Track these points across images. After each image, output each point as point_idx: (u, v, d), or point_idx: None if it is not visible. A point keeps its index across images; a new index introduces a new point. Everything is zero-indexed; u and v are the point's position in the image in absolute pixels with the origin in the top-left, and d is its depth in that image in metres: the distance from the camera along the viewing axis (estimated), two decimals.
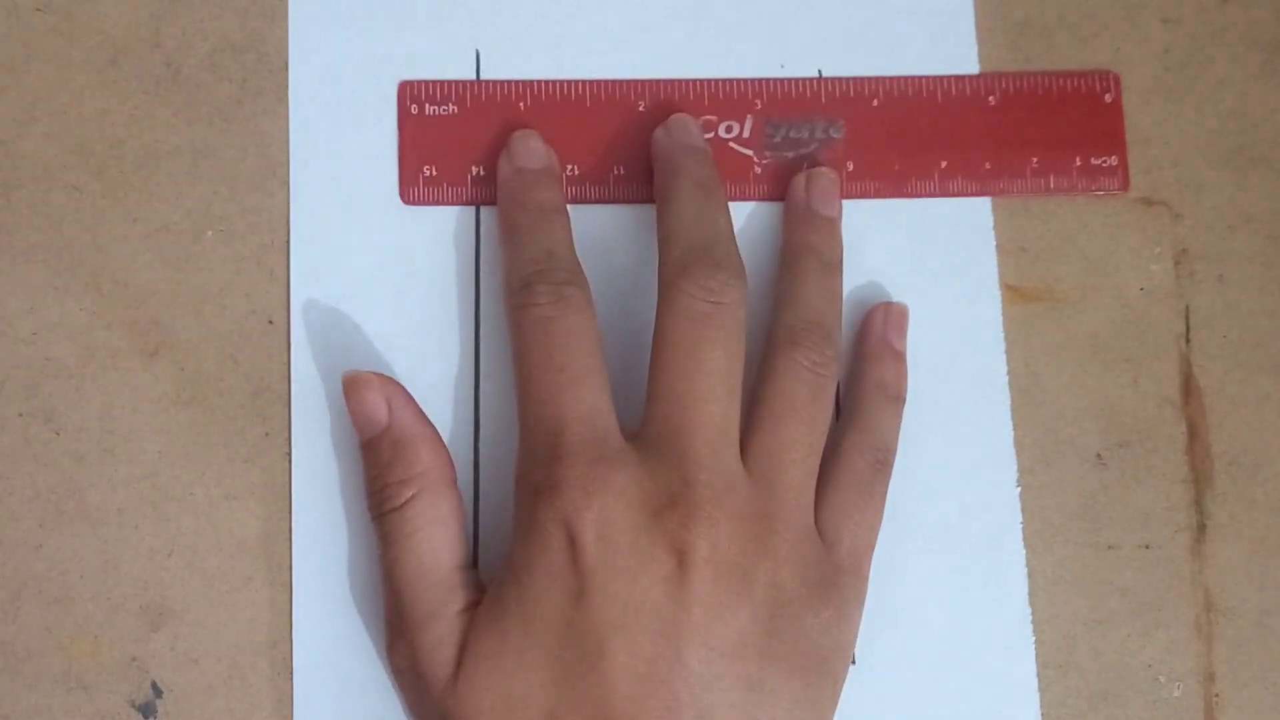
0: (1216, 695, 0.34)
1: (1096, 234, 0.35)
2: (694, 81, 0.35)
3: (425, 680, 0.29)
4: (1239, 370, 0.35)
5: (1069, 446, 0.34)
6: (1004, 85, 0.36)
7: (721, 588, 0.28)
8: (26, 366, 0.33)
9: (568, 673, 0.28)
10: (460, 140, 0.35)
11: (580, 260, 0.32)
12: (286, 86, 0.35)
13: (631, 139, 0.35)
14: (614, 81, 0.35)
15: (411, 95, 0.35)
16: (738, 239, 0.32)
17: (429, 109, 0.35)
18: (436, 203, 0.34)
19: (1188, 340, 0.35)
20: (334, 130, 0.35)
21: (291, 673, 0.32)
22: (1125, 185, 0.36)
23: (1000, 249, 0.35)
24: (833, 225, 0.34)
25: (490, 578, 0.31)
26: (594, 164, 0.35)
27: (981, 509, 0.34)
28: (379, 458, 0.31)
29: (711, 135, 0.35)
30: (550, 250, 0.32)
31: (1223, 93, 0.36)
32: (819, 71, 0.36)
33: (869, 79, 0.36)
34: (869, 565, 0.31)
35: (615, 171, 0.35)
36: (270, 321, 0.34)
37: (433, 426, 0.31)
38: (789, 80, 0.35)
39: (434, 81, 0.35)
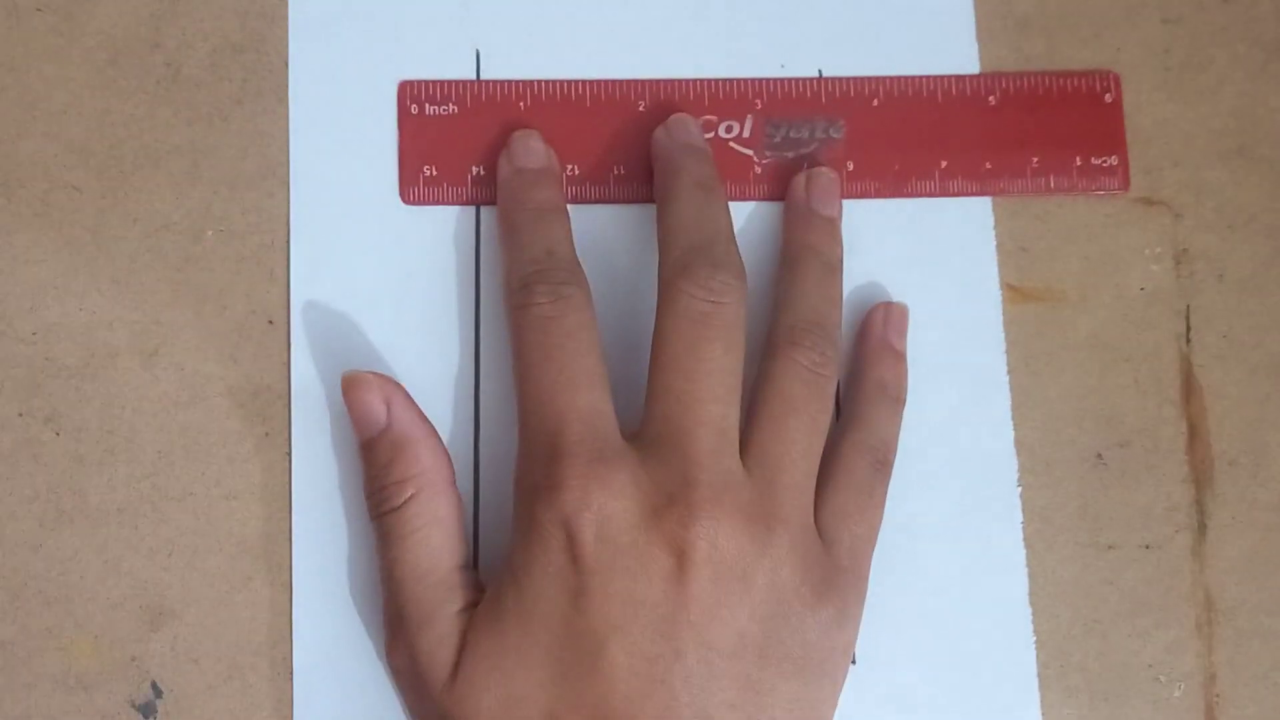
0: (1217, 695, 0.34)
1: (1096, 234, 0.35)
2: (694, 81, 0.35)
3: (424, 680, 0.29)
4: (1239, 370, 0.35)
5: (1069, 446, 0.34)
6: (1004, 85, 0.36)
7: (721, 587, 0.28)
8: (26, 366, 0.33)
9: (567, 672, 0.28)
10: (460, 140, 0.35)
11: (580, 260, 0.32)
12: (286, 86, 0.35)
13: (631, 139, 0.35)
14: (614, 81, 0.35)
15: (411, 95, 0.35)
16: (738, 239, 0.32)
17: (429, 109, 0.35)
18: (436, 203, 0.34)
19: (1188, 340, 0.35)
20: (334, 130, 0.35)
21: (291, 673, 0.32)
22: (1125, 185, 0.36)
23: (1000, 249, 0.35)
24: (833, 225, 0.34)
25: (490, 578, 0.31)
26: (594, 164, 0.35)
27: (981, 509, 0.34)
28: (378, 458, 0.31)
29: (711, 135, 0.35)
30: (550, 250, 0.32)
31: (1223, 93, 0.36)
32: (819, 71, 0.36)
33: (869, 79, 0.36)
34: (869, 565, 0.31)
35: (615, 171, 0.35)
36: (270, 321, 0.34)
37: (432, 427, 0.31)
38: (789, 80, 0.35)
39: (434, 81, 0.35)
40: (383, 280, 0.34)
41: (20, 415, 0.33)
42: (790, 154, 0.35)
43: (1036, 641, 0.33)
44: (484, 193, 0.34)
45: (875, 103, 0.35)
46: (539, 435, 0.30)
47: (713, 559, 0.28)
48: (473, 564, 0.33)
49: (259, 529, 0.33)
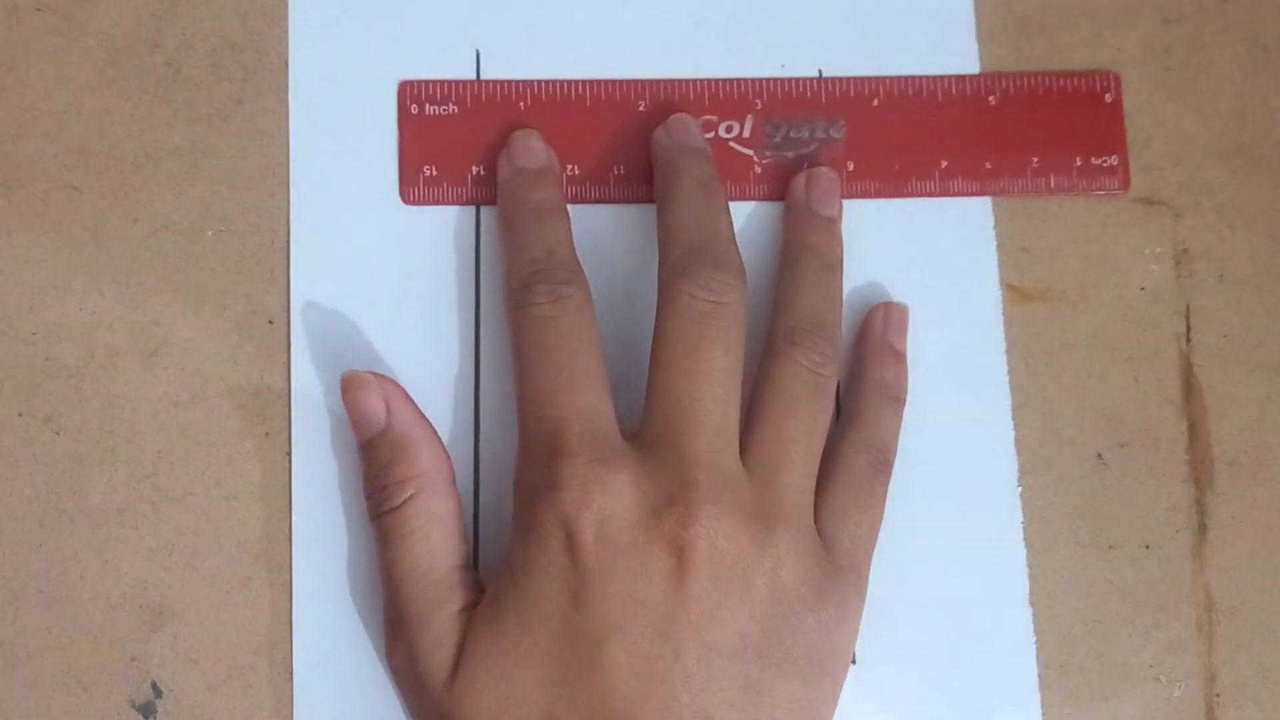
0: (1217, 695, 0.34)
1: (1097, 234, 0.35)
2: (694, 81, 0.35)
3: (424, 680, 0.29)
4: (1239, 370, 0.35)
5: (1069, 446, 0.34)
6: (1004, 85, 0.36)
7: (720, 587, 0.28)
8: (26, 366, 0.33)
9: (566, 672, 0.28)
10: (460, 140, 0.35)
11: (580, 260, 0.32)
12: (286, 86, 0.35)
13: (631, 139, 0.35)
14: (614, 81, 0.35)
15: (411, 95, 0.35)
16: (738, 239, 0.32)
17: (429, 109, 0.35)
18: (436, 203, 0.34)
19: (1188, 340, 0.35)
20: (334, 130, 0.35)
21: (291, 673, 0.32)
22: (1125, 185, 0.36)
23: (1000, 249, 0.35)
24: (833, 225, 0.34)
25: (490, 578, 0.31)
26: (594, 164, 0.35)
27: (981, 509, 0.34)
28: (377, 458, 0.31)
29: (712, 135, 0.35)
30: (550, 250, 0.32)
31: (1223, 92, 0.36)
32: (819, 71, 0.36)
33: (869, 79, 0.35)
34: (869, 565, 0.31)
35: (615, 171, 0.35)
36: (270, 321, 0.34)
37: (431, 427, 0.31)
38: (789, 80, 0.35)
39: (434, 81, 0.35)
40: (383, 280, 0.34)
41: (20, 415, 0.33)
42: (790, 154, 0.35)
43: (1036, 641, 0.33)
44: (484, 193, 0.34)
45: (875, 103, 0.35)
46: (539, 435, 0.30)
47: (712, 559, 0.28)
48: (473, 564, 0.33)
49: (259, 529, 0.33)
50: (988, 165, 0.35)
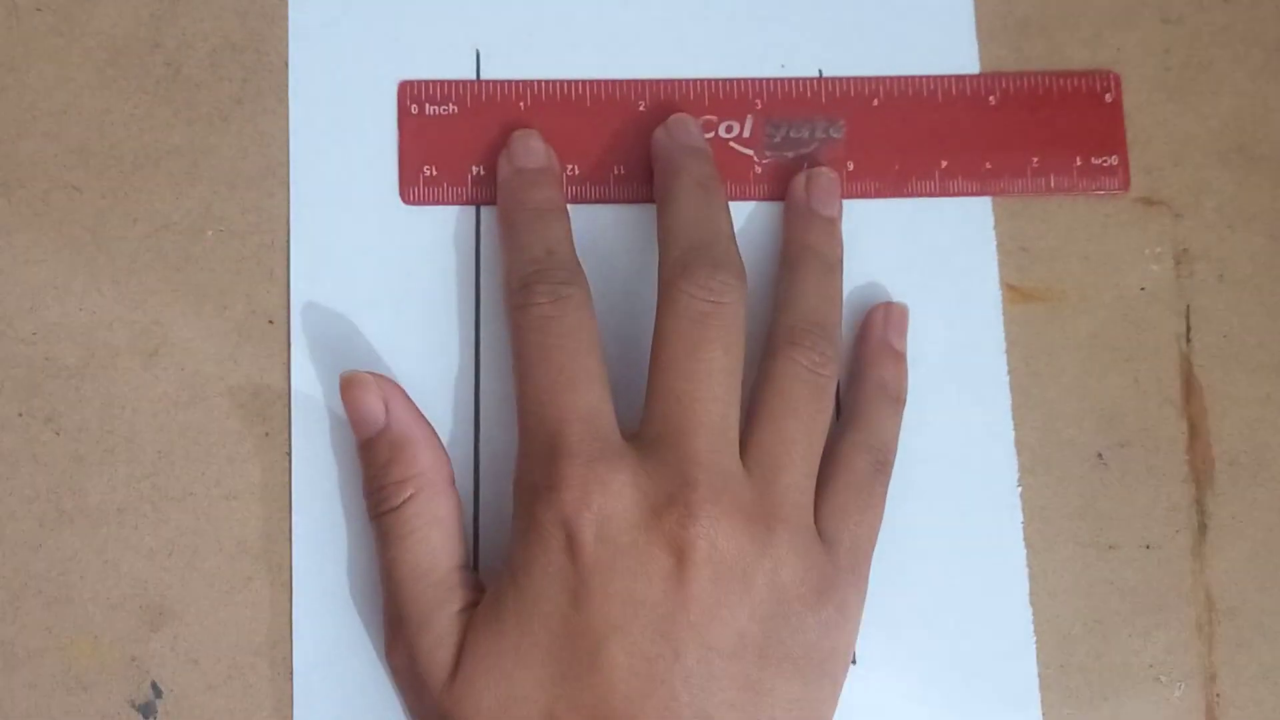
0: (1217, 695, 0.34)
1: (1097, 234, 0.35)
2: (694, 81, 0.35)
3: (424, 680, 0.29)
4: (1239, 370, 0.35)
5: (1069, 446, 0.34)
6: (1004, 85, 0.36)
7: (720, 587, 0.28)
8: (26, 366, 0.33)
9: (566, 672, 0.28)
10: (460, 140, 0.35)
11: (580, 260, 0.32)
12: (286, 86, 0.35)
13: (631, 139, 0.35)
14: (614, 81, 0.35)
15: (411, 95, 0.35)
16: (738, 239, 0.32)
17: (429, 109, 0.35)
18: (436, 203, 0.34)
19: (1188, 340, 0.35)
20: (334, 130, 0.35)
21: (291, 673, 0.32)
22: (1125, 185, 0.36)
23: (1000, 249, 0.35)
24: (833, 225, 0.34)
25: (490, 578, 0.31)
26: (594, 164, 0.35)
27: (981, 509, 0.34)
28: (377, 458, 0.31)
29: (712, 135, 0.35)
30: (550, 249, 0.32)
31: (1223, 92, 0.36)
32: (819, 71, 0.36)
33: (869, 79, 0.35)
34: (869, 565, 0.31)
35: (615, 171, 0.35)
36: (270, 321, 0.34)
37: (430, 427, 0.31)
38: (789, 80, 0.35)
39: (434, 81, 0.35)
40: (383, 280, 0.34)
41: (20, 415, 0.33)
42: (790, 154, 0.35)
43: (1036, 641, 0.33)
44: (484, 193, 0.34)
45: (875, 103, 0.35)
46: (539, 435, 0.30)
47: (712, 559, 0.28)
48: (473, 564, 0.33)
49: (259, 529, 0.33)
50: (988, 165, 0.35)
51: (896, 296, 0.35)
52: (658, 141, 0.34)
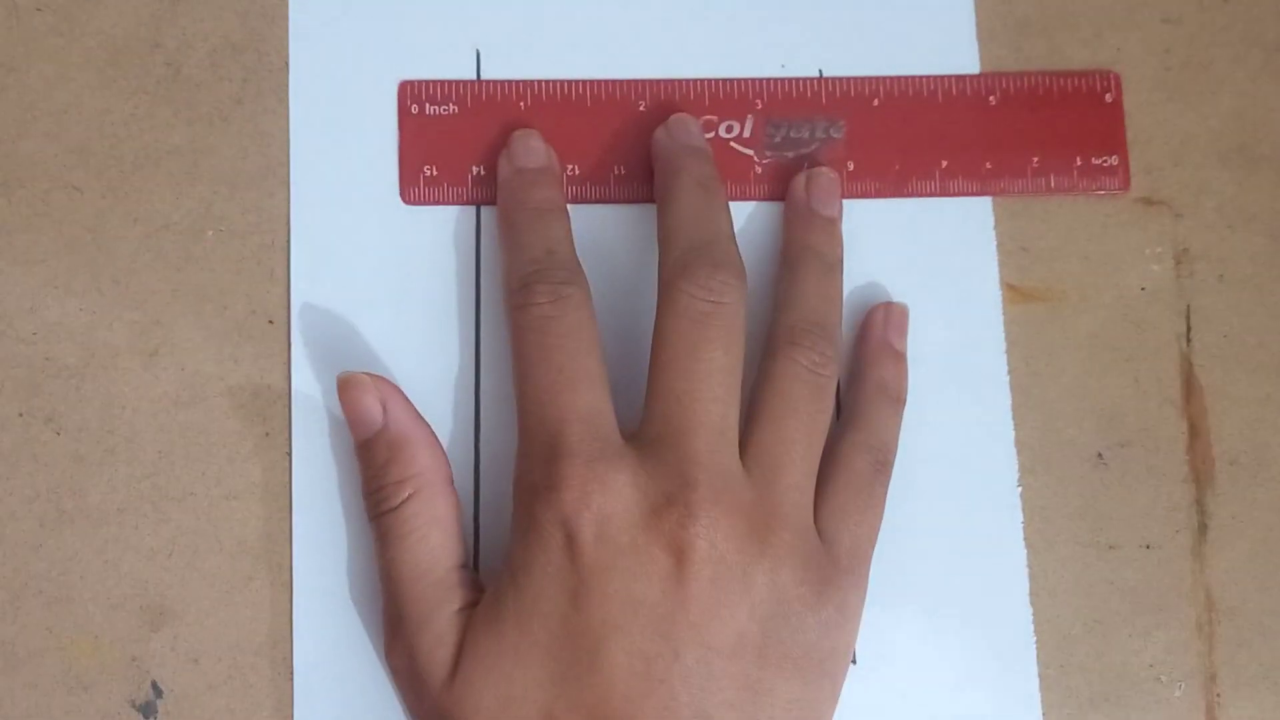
0: (1218, 695, 0.34)
1: (1097, 234, 0.35)
2: (694, 81, 0.35)
3: (423, 680, 0.29)
4: (1240, 370, 0.35)
5: (1069, 446, 0.34)
6: (1004, 85, 0.36)
7: (720, 587, 0.28)
8: (26, 366, 0.33)
9: (565, 672, 0.28)
10: (460, 140, 0.35)
11: (580, 260, 0.32)
12: (286, 86, 0.35)
13: (632, 139, 0.35)
14: (614, 81, 0.35)
15: (411, 95, 0.35)
16: (738, 239, 0.32)
17: (429, 109, 0.35)
18: (436, 203, 0.34)
19: (1188, 340, 0.35)
20: (334, 130, 0.35)
21: (291, 673, 0.32)
22: (1126, 185, 0.36)
23: (1000, 249, 0.35)
24: (833, 225, 0.34)
25: (489, 578, 0.31)
26: (594, 164, 0.35)
27: (981, 509, 0.34)
28: (375, 459, 0.31)
29: (712, 135, 0.35)
30: (550, 249, 0.32)
31: (1223, 92, 0.36)
32: (819, 71, 0.36)
33: (869, 79, 0.35)
34: (869, 566, 0.31)
35: (615, 171, 0.35)
36: (270, 321, 0.34)
37: (428, 426, 0.31)
38: (789, 80, 0.35)
39: (434, 81, 0.35)
40: (383, 280, 0.34)
41: (20, 415, 0.33)
42: (790, 154, 0.35)
43: (1036, 641, 0.33)
44: (484, 193, 0.34)
45: (875, 103, 0.35)
46: (538, 435, 0.30)
47: (712, 559, 0.28)
48: (473, 564, 0.33)
49: (259, 529, 0.33)
50: (988, 165, 0.35)
51: (896, 296, 0.35)
52: (658, 141, 0.34)
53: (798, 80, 0.35)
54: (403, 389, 0.32)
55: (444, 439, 0.33)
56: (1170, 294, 0.35)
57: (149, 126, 0.34)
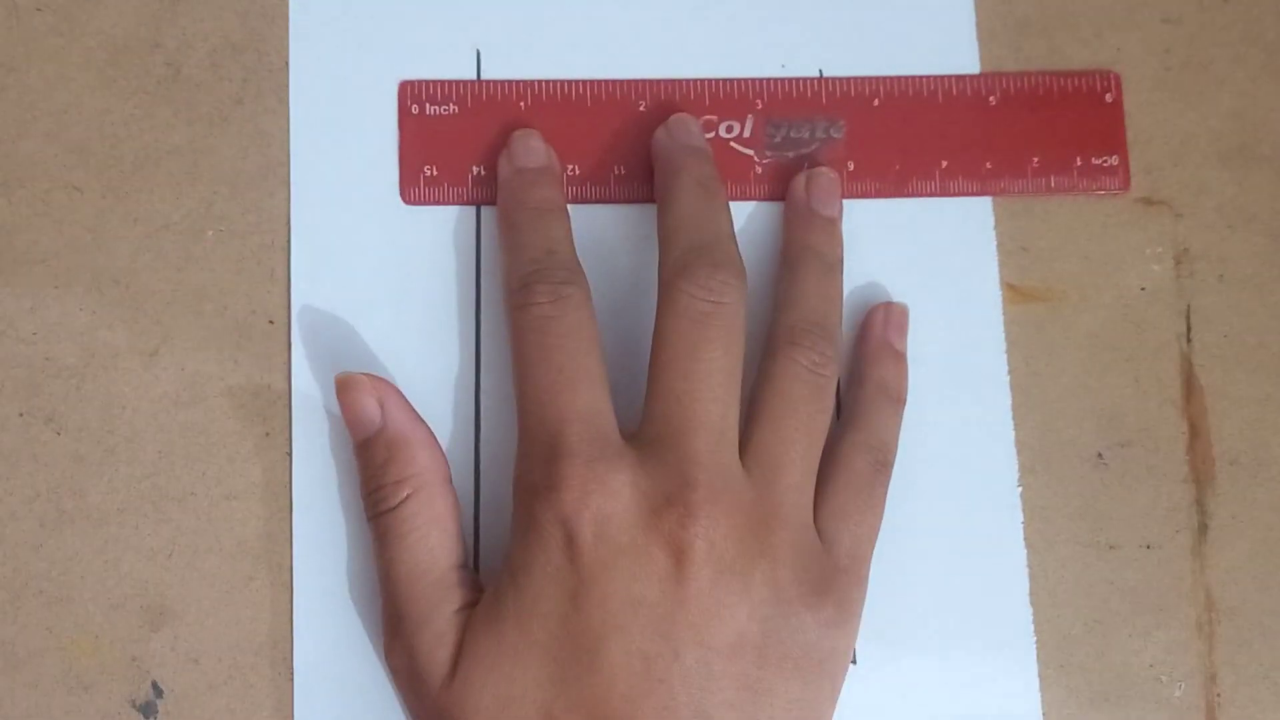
0: (1218, 695, 0.34)
1: (1097, 234, 0.35)
2: (694, 81, 0.35)
3: (422, 680, 0.29)
4: (1240, 370, 0.35)
5: (1069, 446, 0.34)
6: (1004, 85, 0.36)
7: (719, 587, 0.28)
8: (26, 366, 0.33)
9: (565, 672, 0.28)
10: (460, 140, 0.35)
11: (580, 260, 0.32)
12: (286, 86, 0.35)
13: (632, 139, 0.35)
14: (614, 81, 0.35)
15: (411, 95, 0.35)
16: (738, 239, 0.32)
17: (429, 109, 0.35)
18: (437, 203, 0.34)
19: (1188, 340, 0.35)
20: (334, 130, 0.35)
21: (291, 673, 0.32)
22: (1126, 185, 0.36)
23: (1001, 249, 0.35)
24: (833, 225, 0.34)
25: (489, 578, 0.31)
26: (594, 164, 0.35)
27: (981, 509, 0.34)
28: (374, 459, 0.31)
29: (712, 135, 0.35)
30: (550, 249, 0.32)
31: (1223, 93, 0.36)
32: (820, 71, 0.36)
33: (869, 79, 0.35)
34: (868, 566, 0.31)
35: (615, 171, 0.35)
36: (270, 321, 0.34)
37: (426, 426, 0.31)
38: (790, 80, 0.35)
39: (434, 81, 0.35)
40: (383, 280, 0.34)
41: (20, 415, 0.33)
42: (790, 154, 0.35)
43: (1036, 641, 0.33)
44: (484, 193, 0.34)
45: (876, 103, 0.35)
46: (538, 435, 0.30)
47: (711, 559, 0.28)
48: (473, 564, 0.33)
49: (259, 529, 0.33)
50: (988, 165, 0.35)
51: (896, 296, 0.35)
52: (658, 141, 0.34)
53: (798, 80, 0.35)
54: (403, 389, 0.32)
55: (444, 439, 0.33)
56: (1170, 294, 0.35)
57: (149, 126, 0.34)
